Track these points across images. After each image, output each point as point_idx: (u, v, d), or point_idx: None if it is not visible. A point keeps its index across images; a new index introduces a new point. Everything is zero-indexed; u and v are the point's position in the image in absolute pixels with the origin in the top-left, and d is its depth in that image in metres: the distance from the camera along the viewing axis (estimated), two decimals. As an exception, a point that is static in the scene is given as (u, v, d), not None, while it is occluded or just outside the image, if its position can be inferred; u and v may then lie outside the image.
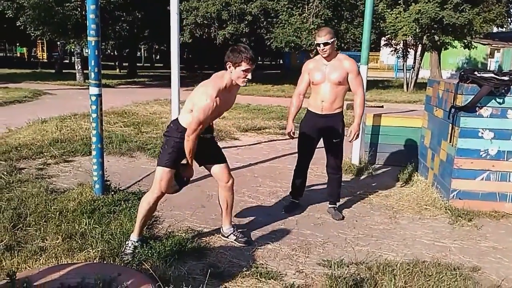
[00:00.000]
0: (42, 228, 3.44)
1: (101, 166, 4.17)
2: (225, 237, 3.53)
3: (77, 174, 5.15)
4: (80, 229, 3.44)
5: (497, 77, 4.04)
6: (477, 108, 4.13)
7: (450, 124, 4.35)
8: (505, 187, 4.22)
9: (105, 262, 2.92)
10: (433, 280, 2.89)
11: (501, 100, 4.11)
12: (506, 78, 4.03)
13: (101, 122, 4.11)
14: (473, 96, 4.06)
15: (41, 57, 42.45)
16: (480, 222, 4.06)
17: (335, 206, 4.22)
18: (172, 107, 5.77)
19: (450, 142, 4.37)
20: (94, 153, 4.15)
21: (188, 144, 2.98)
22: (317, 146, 4.16)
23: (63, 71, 25.28)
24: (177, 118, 3.21)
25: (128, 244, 3.15)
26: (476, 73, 4.15)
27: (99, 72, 3.98)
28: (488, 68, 31.41)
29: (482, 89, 4.02)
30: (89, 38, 3.91)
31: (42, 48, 44.25)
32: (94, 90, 3.98)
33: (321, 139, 4.11)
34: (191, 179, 3.37)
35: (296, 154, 4.32)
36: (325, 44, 3.74)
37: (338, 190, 4.24)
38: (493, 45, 32.35)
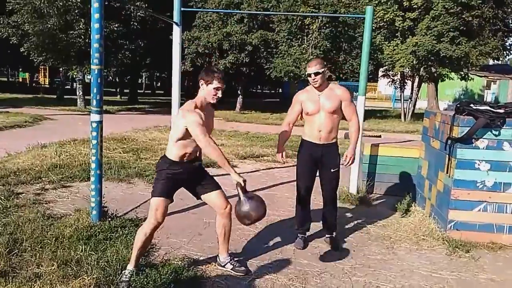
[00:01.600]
0: (38, 254, 3.42)
1: (99, 192, 4.18)
2: (221, 266, 3.51)
3: (74, 200, 5.15)
4: (76, 255, 3.42)
5: (492, 109, 4.11)
6: (473, 139, 4.18)
7: (447, 155, 4.39)
8: (502, 218, 4.23)
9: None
10: (431, 313, 2.87)
11: (497, 132, 4.16)
12: (501, 111, 4.10)
13: (101, 148, 4.14)
14: (469, 128, 4.11)
15: (43, 83, 42.83)
16: (478, 254, 4.05)
17: (332, 235, 4.20)
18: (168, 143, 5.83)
19: (447, 173, 4.40)
20: (92, 179, 4.17)
21: (211, 151, 2.99)
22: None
23: (65, 96, 25.50)
24: (164, 154, 3.27)
25: (124, 272, 3.13)
26: (472, 105, 4.22)
27: (100, 99, 4.04)
28: (484, 100, 31.78)
29: (478, 121, 4.08)
30: (92, 66, 3.99)
31: (45, 74, 44.70)
32: (95, 117, 4.03)
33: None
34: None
35: (294, 182, 4.32)
36: (316, 74, 3.79)
37: (335, 221, 4.20)
38: (489, 77, 32.81)
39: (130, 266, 3.15)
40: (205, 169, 3.62)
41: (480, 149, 4.20)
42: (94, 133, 4.06)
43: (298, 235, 4.21)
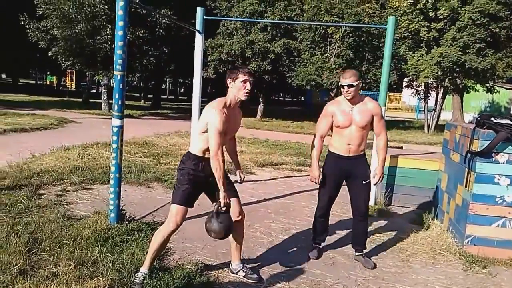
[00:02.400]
0: (56, 254, 3.51)
1: (118, 195, 4.27)
2: (234, 273, 3.54)
3: (94, 202, 5.26)
4: (93, 256, 3.50)
5: (513, 123, 4.04)
6: (493, 154, 4.11)
7: (466, 169, 4.33)
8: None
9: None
10: (443, 328, 2.83)
11: (517, 147, 4.08)
12: (522, 125, 4.02)
13: (121, 152, 4.24)
14: (489, 142, 4.05)
15: (69, 86, 43.90)
16: (495, 270, 3.97)
17: (363, 253, 4.08)
18: (191, 138, 5.91)
19: (466, 187, 4.34)
20: (111, 182, 4.26)
21: (216, 163, 3.00)
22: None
23: (90, 100, 26.06)
24: (188, 151, 3.29)
25: (138, 275, 3.18)
26: (492, 119, 4.16)
27: (122, 104, 4.14)
28: (511, 112, 31.02)
29: (498, 135, 4.02)
30: (115, 72, 4.09)
31: (71, 78, 45.85)
32: (116, 122, 4.13)
33: (344, 182, 4.03)
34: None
35: (312, 192, 4.32)
36: (350, 86, 3.72)
37: (366, 236, 4.11)
38: (517, 90, 32.04)
39: (144, 269, 3.21)
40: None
41: (500, 163, 4.13)
42: (115, 137, 4.17)
43: (313, 245, 4.19)
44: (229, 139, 3.49)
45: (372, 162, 5.14)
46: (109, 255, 3.56)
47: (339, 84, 3.86)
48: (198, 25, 5.95)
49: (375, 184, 4.06)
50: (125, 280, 3.15)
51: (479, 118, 4.27)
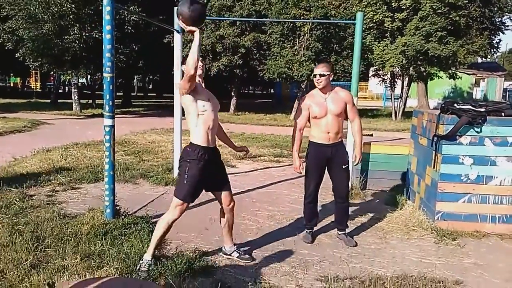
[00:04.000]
0: (61, 249, 3.72)
1: (113, 192, 4.49)
2: (228, 255, 3.83)
3: (85, 200, 5.44)
4: (96, 249, 3.72)
5: (474, 108, 4.48)
6: (457, 136, 4.54)
7: (434, 151, 4.76)
8: (485, 209, 4.60)
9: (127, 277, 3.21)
10: (420, 292, 3.22)
11: (478, 129, 4.53)
12: (482, 109, 4.47)
13: (114, 150, 4.45)
14: (453, 126, 4.48)
15: (35, 87, 42.85)
16: (463, 241, 4.41)
17: (345, 232, 4.42)
18: (175, 136, 6.15)
19: (434, 167, 4.76)
20: (106, 179, 4.47)
21: (191, 52, 3.19)
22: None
23: (58, 100, 25.63)
24: (191, 142, 3.46)
25: (142, 263, 3.42)
26: (455, 105, 4.58)
27: (113, 105, 4.35)
28: (474, 97, 32.36)
29: (461, 120, 4.45)
30: (104, 74, 4.29)
31: (36, 78, 44.76)
32: (108, 122, 4.33)
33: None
34: None
35: (292, 180, 4.64)
36: (321, 75, 4.06)
37: (347, 217, 4.45)
38: (477, 75, 33.45)
39: (148, 256, 3.46)
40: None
41: (463, 145, 4.56)
42: (107, 137, 4.37)
43: (306, 230, 4.49)
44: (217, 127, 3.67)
45: (348, 147, 5.51)
46: (111, 247, 3.79)
47: (312, 74, 4.17)
48: (176, 25, 6.16)
49: (355, 165, 4.40)
50: (131, 268, 3.40)
51: (443, 105, 4.70)
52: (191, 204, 3.57)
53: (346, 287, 3.30)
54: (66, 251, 3.68)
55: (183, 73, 3.48)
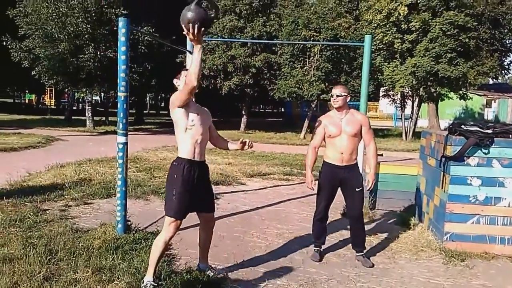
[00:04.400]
0: (73, 262, 3.80)
1: (124, 207, 4.58)
2: (201, 271, 3.78)
3: (97, 215, 5.53)
4: (107, 263, 3.80)
5: (481, 130, 4.53)
6: (465, 157, 4.58)
7: (442, 172, 4.79)
8: (494, 230, 4.60)
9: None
10: (427, 312, 3.23)
11: (486, 151, 4.56)
12: (489, 131, 4.51)
13: (126, 167, 4.56)
14: (461, 147, 4.52)
15: (49, 104, 43.55)
16: (472, 263, 4.41)
17: (363, 254, 4.43)
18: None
19: (442, 188, 4.79)
20: (118, 195, 4.57)
21: (193, 65, 3.16)
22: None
23: (72, 117, 26.05)
24: (178, 157, 3.45)
25: (146, 285, 3.36)
26: (463, 126, 4.63)
27: (126, 123, 4.48)
28: (485, 118, 32.21)
29: (468, 141, 4.49)
30: (119, 94, 4.43)
31: (50, 95, 45.52)
32: (121, 139, 4.46)
33: (339, 190, 4.38)
34: None
35: (301, 199, 4.69)
36: (338, 95, 4.17)
37: (362, 238, 4.44)
38: (489, 96, 33.36)
39: (149, 277, 3.39)
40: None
41: (471, 166, 4.59)
42: (120, 153, 4.48)
43: (314, 248, 4.50)
44: (216, 136, 3.74)
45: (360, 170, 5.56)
46: (122, 262, 3.86)
47: (330, 94, 4.30)
48: (189, 46, 6.34)
49: (368, 190, 4.41)
50: (141, 283, 3.46)
51: (451, 126, 4.75)
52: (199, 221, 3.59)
53: (353, 306, 3.32)
54: (78, 264, 3.76)
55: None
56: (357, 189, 4.28)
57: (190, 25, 3.07)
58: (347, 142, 4.22)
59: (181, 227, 4.72)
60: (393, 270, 4.22)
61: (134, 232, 4.65)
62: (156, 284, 3.40)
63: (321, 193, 4.38)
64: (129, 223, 4.77)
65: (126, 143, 4.53)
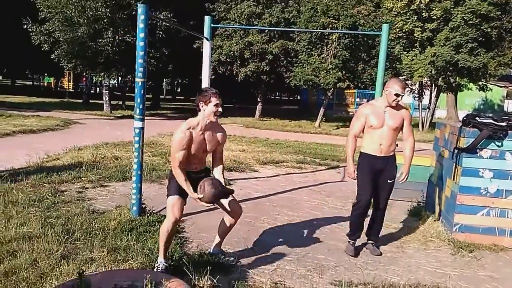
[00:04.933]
0: (89, 242, 3.95)
1: (139, 190, 4.71)
2: (214, 254, 3.89)
3: (113, 198, 5.69)
4: (122, 244, 3.93)
5: (495, 122, 4.50)
6: (478, 150, 4.58)
7: (454, 164, 4.79)
8: (504, 222, 4.60)
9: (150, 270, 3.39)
10: (432, 300, 3.29)
11: (499, 143, 4.55)
12: (503, 124, 4.49)
13: (142, 151, 4.67)
14: (474, 139, 4.51)
15: (67, 87, 44.20)
16: (480, 254, 4.44)
17: (373, 243, 4.46)
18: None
19: (453, 180, 4.80)
20: (134, 178, 4.70)
21: (174, 173, 3.38)
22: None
23: (90, 101, 26.41)
24: None
25: (158, 265, 3.50)
26: (477, 118, 4.62)
27: (143, 108, 4.58)
28: (505, 110, 31.62)
29: (482, 133, 4.48)
30: (136, 79, 4.53)
31: (69, 79, 46.17)
32: (138, 124, 4.56)
33: None
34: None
35: (312, 187, 4.74)
36: (402, 97, 4.12)
37: (380, 228, 4.48)
38: (509, 88, 32.66)
39: (160, 258, 3.52)
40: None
41: (484, 158, 4.59)
42: (137, 138, 4.60)
43: (349, 241, 4.40)
44: (215, 157, 3.70)
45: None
46: (136, 243, 3.99)
47: (394, 92, 4.08)
48: (206, 33, 6.39)
49: (400, 182, 4.32)
50: (153, 263, 3.59)
51: (465, 118, 4.74)
52: (211, 206, 3.67)
53: (359, 292, 3.39)
54: (94, 244, 3.91)
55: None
56: (389, 181, 4.25)
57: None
58: (387, 134, 4.15)
59: (193, 210, 4.91)
60: (401, 259, 4.28)
61: (148, 214, 4.78)
62: (167, 264, 3.52)
63: (362, 186, 4.24)
64: (143, 206, 4.91)
65: (142, 128, 4.63)
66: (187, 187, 3.37)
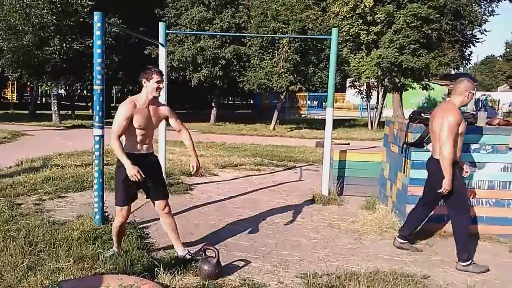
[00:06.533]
0: (54, 253, 3.90)
1: (101, 198, 4.69)
2: (182, 258, 3.93)
3: (72, 208, 5.60)
4: (88, 253, 3.92)
5: (439, 118, 4.85)
6: (424, 143, 4.91)
7: (404, 158, 5.12)
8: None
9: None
10: (390, 285, 3.54)
11: (444, 137, 4.89)
12: (446, 119, 4.84)
13: (103, 159, 4.66)
14: (420, 134, 4.85)
15: (11, 98, 42.23)
16: (432, 241, 4.77)
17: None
18: (159, 146, 6.39)
19: (404, 173, 5.12)
20: (95, 187, 4.67)
21: (112, 144, 3.48)
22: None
23: (37, 112, 25.42)
24: None
25: (109, 251, 3.92)
26: (422, 114, 4.96)
27: (102, 116, 4.58)
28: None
29: (427, 128, 4.81)
30: (95, 87, 4.52)
31: (12, 89, 44.14)
32: (97, 132, 4.55)
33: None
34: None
35: (272, 188, 4.91)
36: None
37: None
38: (450, 86, 34.53)
39: (115, 248, 3.96)
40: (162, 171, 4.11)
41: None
42: (97, 146, 4.58)
43: (402, 240, 4.57)
44: (176, 128, 3.91)
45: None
46: (102, 251, 3.99)
47: (470, 91, 4.16)
48: (161, 39, 6.44)
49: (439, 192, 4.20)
50: (122, 269, 3.61)
51: (411, 115, 5.08)
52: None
53: (323, 283, 3.58)
54: (59, 254, 3.87)
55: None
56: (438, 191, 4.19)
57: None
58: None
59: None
60: (360, 250, 4.52)
61: (111, 222, 4.74)
62: (118, 251, 3.88)
63: (463, 195, 4.23)
64: (106, 214, 4.88)
65: (102, 136, 4.63)
66: (125, 160, 3.45)
